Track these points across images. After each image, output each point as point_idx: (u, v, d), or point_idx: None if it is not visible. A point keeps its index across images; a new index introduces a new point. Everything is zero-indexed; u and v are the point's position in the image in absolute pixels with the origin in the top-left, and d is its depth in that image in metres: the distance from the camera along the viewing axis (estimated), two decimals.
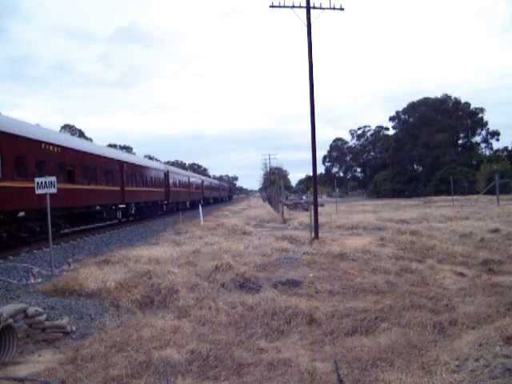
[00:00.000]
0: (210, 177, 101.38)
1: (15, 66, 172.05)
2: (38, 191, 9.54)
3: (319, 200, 17.95)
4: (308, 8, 14.22)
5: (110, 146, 68.56)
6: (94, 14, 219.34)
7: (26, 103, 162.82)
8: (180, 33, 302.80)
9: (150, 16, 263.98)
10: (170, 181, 35.55)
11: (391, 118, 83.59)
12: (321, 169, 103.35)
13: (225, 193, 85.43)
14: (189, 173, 55.65)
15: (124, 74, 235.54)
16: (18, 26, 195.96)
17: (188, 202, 45.54)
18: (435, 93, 79.25)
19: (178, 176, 40.49)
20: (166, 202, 34.40)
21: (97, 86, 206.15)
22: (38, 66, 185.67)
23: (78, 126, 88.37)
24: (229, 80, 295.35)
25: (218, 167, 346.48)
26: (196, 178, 52.84)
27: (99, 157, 21.26)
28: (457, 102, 75.19)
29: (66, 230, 18.56)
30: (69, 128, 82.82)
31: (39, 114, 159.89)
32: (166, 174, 34.87)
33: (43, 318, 6.23)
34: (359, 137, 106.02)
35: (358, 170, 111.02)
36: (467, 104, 74.87)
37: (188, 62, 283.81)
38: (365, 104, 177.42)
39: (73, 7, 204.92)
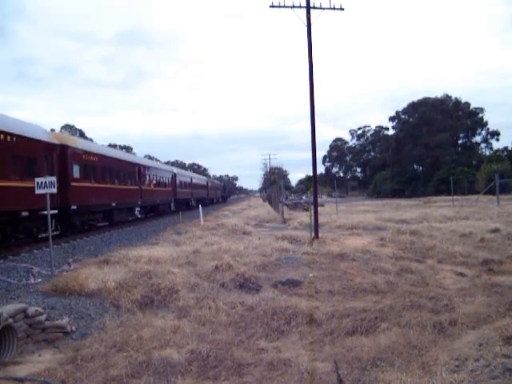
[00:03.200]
0: (209, 177, 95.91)
1: (18, 67, 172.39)
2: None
3: (319, 200, 17.95)
4: (308, 8, 14.23)
5: (110, 146, 66.30)
6: (96, 16, 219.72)
7: (26, 103, 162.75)
8: (180, 33, 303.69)
9: (150, 17, 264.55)
10: (72, 168, 17.65)
11: (391, 118, 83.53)
12: (321, 169, 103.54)
13: (216, 192, 69.33)
14: (141, 158, 35.47)
15: (126, 75, 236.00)
16: (22, 28, 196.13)
17: (138, 209, 27.93)
18: (435, 93, 79.45)
19: (108, 161, 22.04)
20: (60, 208, 15.88)
21: (98, 87, 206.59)
22: (41, 67, 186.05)
23: (78, 126, 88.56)
24: (229, 80, 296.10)
25: (218, 167, 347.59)
26: (159, 170, 33.73)
27: None
28: (457, 102, 75.19)
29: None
30: (69, 128, 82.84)
31: (39, 114, 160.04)
32: (70, 154, 17.47)
33: (43, 317, 6.23)
34: (359, 137, 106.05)
35: (358, 170, 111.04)
36: (467, 104, 74.89)
37: (188, 62, 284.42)
38: (365, 104, 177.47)
39: (75, 9, 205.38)
